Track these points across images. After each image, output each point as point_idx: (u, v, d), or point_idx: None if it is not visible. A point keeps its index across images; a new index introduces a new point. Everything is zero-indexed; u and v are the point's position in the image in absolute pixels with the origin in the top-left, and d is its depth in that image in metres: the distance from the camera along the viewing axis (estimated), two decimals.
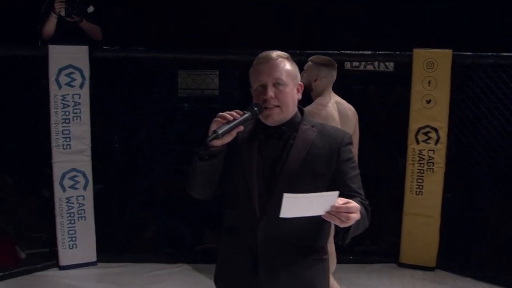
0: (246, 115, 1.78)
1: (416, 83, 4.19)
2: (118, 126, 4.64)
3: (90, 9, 4.09)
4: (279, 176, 1.84)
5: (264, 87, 1.85)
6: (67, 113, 4.07)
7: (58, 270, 4.15)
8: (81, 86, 4.10)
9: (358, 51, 4.37)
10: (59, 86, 4.04)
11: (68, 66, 4.05)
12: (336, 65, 3.38)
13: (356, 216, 1.63)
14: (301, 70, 2.59)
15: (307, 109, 2.09)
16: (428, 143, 4.19)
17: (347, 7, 6.14)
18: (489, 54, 4.03)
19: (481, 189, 4.30)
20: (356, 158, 1.98)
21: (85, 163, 4.15)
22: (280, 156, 1.86)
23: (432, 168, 4.19)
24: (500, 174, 4.12)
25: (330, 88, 3.35)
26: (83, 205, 4.16)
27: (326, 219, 1.64)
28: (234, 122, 1.74)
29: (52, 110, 4.04)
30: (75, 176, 4.12)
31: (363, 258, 4.42)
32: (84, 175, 4.14)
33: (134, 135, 5.03)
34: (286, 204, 1.56)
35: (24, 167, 4.36)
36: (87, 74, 4.11)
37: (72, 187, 4.11)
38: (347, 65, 4.83)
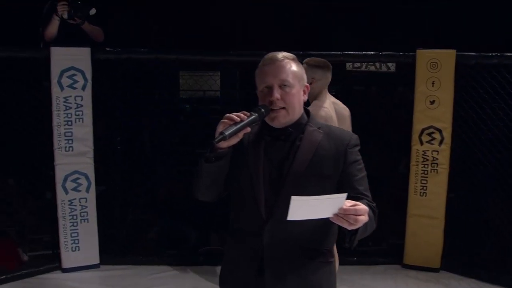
0: (253, 116, 1.76)
1: (420, 84, 4.17)
2: (120, 127, 4.62)
3: (93, 11, 4.08)
4: (285, 178, 1.82)
5: (270, 89, 1.83)
6: (69, 115, 4.06)
7: (61, 272, 4.13)
8: (83, 88, 4.08)
9: (359, 51, 4.35)
10: (61, 88, 4.03)
11: (70, 68, 4.04)
12: (331, 66, 3.38)
13: (364, 218, 1.62)
14: None
15: None
16: (432, 144, 4.17)
17: (347, 7, 6.13)
18: (493, 54, 4.01)
19: (485, 190, 4.28)
20: None
21: (87, 165, 4.13)
22: (287, 158, 1.84)
23: (436, 169, 4.17)
24: (504, 174, 4.09)
25: (326, 90, 3.36)
26: (86, 207, 4.14)
27: (334, 221, 1.62)
28: (241, 124, 1.73)
29: (54, 112, 4.03)
30: (78, 178, 4.10)
31: (366, 259, 4.40)
32: (87, 177, 4.13)
33: (136, 137, 5.02)
34: (294, 206, 1.54)
35: (26, 169, 4.34)
36: (89, 76, 4.09)
37: (74, 189, 4.10)
38: (349, 65, 4.83)
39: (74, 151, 4.08)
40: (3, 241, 4.32)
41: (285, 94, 1.83)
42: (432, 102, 4.15)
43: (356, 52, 4.31)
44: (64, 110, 4.04)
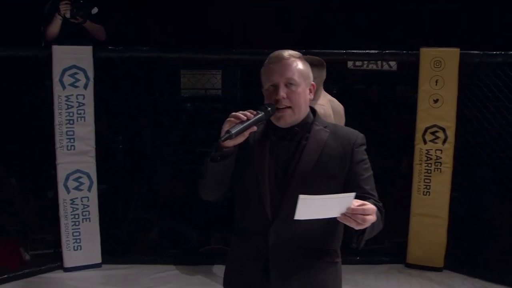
0: (260, 115, 1.74)
1: (423, 82, 4.15)
2: (122, 126, 4.61)
3: (95, 10, 4.07)
4: (291, 178, 1.80)
5: (275, 87, 1.81)
6: (71, 114, 4.04)
7: (63, 272, 4.11)
8: (85, 86, 4.06)
9: (356, 50, 4.33)
10: (63, 87, 4.01)
11: (72, 67, 4.02)
12: (325, 64, 3.37)
13: (372, 218, 1.60)
14: None
15: None
16: (436, 143, 4.15)
17: (346, 7, 6.13)
18: (497, 52, 3.99)
19: (489, 189, 4.26)
20: None
21: (89, 164, 4.11)
22: (293, 158, 1.83)
23: (440, 168, 4.15)
24: (508, 173, 4.08)
25: (322, 87, 3.35)
26: (88, 206, 4.12)
27: (342, 221, 1.60)
28: (248, 122, 1.71)
29: (56, 111, 4.00)
30: (80, 177, 4.09)
31: (369, 258, 4.38)
32: (89, 176, 4.11)
33: (138, 136, 5.01)
34: (301, 206, 1.53)
35: (28, 168, 4.33)
36: (91, 74, 4.07)
37: (76, 188, 4.08)
38: (350, 64, 4.81)
39: (76, 150, 4.06)
40: (5, 240, 4.30)
41: (291, 92, 1.81)
42: (436, 101, 4.13)
43: (360, 51, 4.30)
44: (66, 109, 4.02)
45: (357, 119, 3.81)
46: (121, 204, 4.59)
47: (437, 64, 4.09)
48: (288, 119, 1.82)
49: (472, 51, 4.08)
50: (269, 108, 1.78)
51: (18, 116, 4.18)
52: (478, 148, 4.13)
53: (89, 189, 4.12)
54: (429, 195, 4.20)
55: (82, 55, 4.04)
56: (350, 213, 1.57)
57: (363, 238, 1.69)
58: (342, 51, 4.20)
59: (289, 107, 1.81)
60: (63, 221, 4.07)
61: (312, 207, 1.55)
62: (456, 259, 4.24)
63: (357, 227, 1.60)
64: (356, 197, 1.62)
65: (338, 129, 1.91)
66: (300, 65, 1.84)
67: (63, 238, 4.08)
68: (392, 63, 4.65)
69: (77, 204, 4.09)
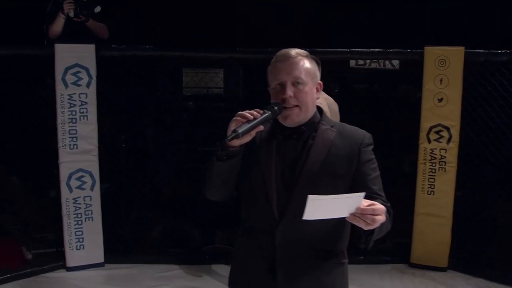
0: (267, 114, 1.72)
1: (428, 81, 4.13)
2: (125, 125, 4.59)
3: (97, 9, 4.06)
4: (298, 177, 1.79)
5: (282, 86, 1.80)
6: (73, 113, 4.02)
7: (65, 271, 4.10)
8: (88, 85, 4.04)
9: (358, 49, 4.31)
10: (66, 86, 3.99)
11: (75, 65, 4.00)
12: (320, 62, 3.36)
13: (381, 218, 1.58)
14: None
15: None
16: (440, 142, 4.13)
17: (348, 7, 6.11)
18: (503, 51, 3.97)
19: (493, 188, 4.24)
20: None
21: (92, 163, 4.10)
22: (300, 157, 1.81)
23: (444, 168, 4.13)
24: None
25: None
26: (90, 205, 4.11)
27: (351, 221, 1.59)
28: (254, 122, 1.69)
29: (59, 110, 3.98)
30: (82, 176, 4.07)
31: (373, 258, 4.36)
32: (91, 175, 4.09)
33: (141, 134, 4.99)
34: (310, 205, 1.51)
35: (30, 167, 4.31)
36: (93, 73, 4.05)
37: (79, 187, 4.06)
38: (353, 63, 4.79)
39: (78, 149, 4.04)
40: (7, 240, 4.29)
41: (298, 91, 1.79)
42: (440, 100, 4.11)
43: (364, 49, 4.27)
44: (68, 108, 4.00)
45: (359, 118, 3.79)
46: (124, 203, 4.58)
47: (442, 62, 4.07)
48: (296, 118, 1.80)
49: (477, 50, 4.05)
50: (276, 107, 1.76)
51: (20, 115, 4.16)
52: (483, 147, 4.11)
53: (92, 188, 4.10)
54: (433, 194, 4.17)
55: (84, 54, 4.02)
56: (360, 213, 1.55)
57: (372, 238, 1.68)
58: (346, 49, 4.19)
59: (297, 105, 1.79)
60: (65, 220, 4.05)
61: (321, 207, 1.53)
62: (460, 258, 4.22)
63: (366, 228, 1.59)
64: (364, 197, 1.60)
65: (345, 128, 1.89)
66: (307, 63, 1.83)
67: (66, 238, 4.07)
68: (395, 62, 4.62)
69: (79, 203, 4.07)
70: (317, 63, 3.34)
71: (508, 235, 4.30)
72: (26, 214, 4.47)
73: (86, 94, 4.04)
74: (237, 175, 1.82)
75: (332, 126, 1.87)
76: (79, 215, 4.08)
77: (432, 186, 4.17)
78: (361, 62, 4.70)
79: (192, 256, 4.42)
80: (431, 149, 4.16)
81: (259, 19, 6.10)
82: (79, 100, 4.02)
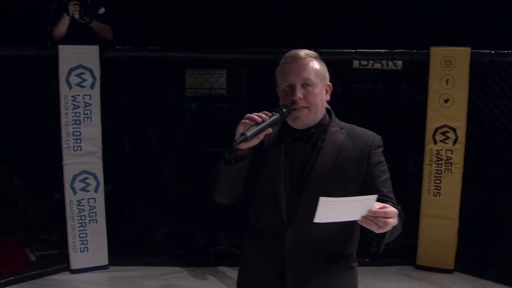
0: (275, 116, 1.70)
1: (434, 82, 4.10)
2: (129, 126, 4.58)
3: (102, 10, 4.05)
4: (307, 179, 1.77)
5: (292, 88, 1.78)
6: (77, 114, 4.00)
7: (70, 273, 4.08)
8: (92, 86, 4.02)
9: (360, 49, 4.28)
10: (70, 87, 3.97)
11: (79, 67, 3.98)
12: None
13: (393, 221, 1.57)
14: None
15: None
16: (446, 143, 4.10)
17: (348, 7, 6.11)
18: (509, 51, 3.94)
19: (500, 189, 4.21)
20: None
21: (96, 165, 4.07)
22: (309, 159, 1.79)
23: (450, 169, 4.10)
24: None
25: None
26: (94, 207, 4.08)
27: (362, 224, 1.57)
28: (263, 124, 1.67)
29: (63, 111, 3.97)
30: (86, 178, 4.05)
31: (379, 260, 4.33)
32: (95, 177, 4.07)
33: (145, 136, 4.98)
34: (322, 208, 1.48)
35: (34, 169, 4.30)
36: (97, 74, 4.03)
37: (83, 189, 4.04)
38: (356, 63, 4.77)
39: (82, 151, 4.02)
40: (11, 242, 4.28)
41: (308, 93, 1.77)
42: (446, 101, 4.08)
43: (369, 50, 4.25)
44: (72, 109, 3.98)
45: (361, 119, 3.76)
46: (127, 205, 4.56)
47: (448, 63, 4.04)
48: (305, 119, 1.78)
49: (483, 50, 4.02)
50: (284, 109, 1.74)
51: (24, 116, 4.15)
52: (489, 148, 4.08)
53: (96, 190, 4.08)
54: (439, 196, 4.14)
55: (88, 55, 4.00)
56: (372, 216, 1.53)
57: (383, 241, 1.66)
58: (351, 50, 4.16)
59: (306, 107, 1.77)
60: (69, 223, 4.03)
61: (332, 210, 1.51)
62: (467, 260, 4.19)
63: (378, 231, 1.57)
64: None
65: (355, 130, 1.87)
66: (316, 65, 1.80)
67: (70, 240, 4.05)
68: (398, 62, 4.60)
69: (83, 205, 4.05)
70: None
71: None
72: (30, 215, 4.46)
73: (90, 95, 4.02)
74: (245, 178, 1.80)
75: (341, 128, 1.85)
76: (83, 217, 4.06)
77: (438, 188, 4.14)
78: (364, 62, 4.68)
79: (197, 258, 4.40)
80: (437, 150, 4.13)
81: (259, 19, 6.09)
82: (83, 102, 4.01)
